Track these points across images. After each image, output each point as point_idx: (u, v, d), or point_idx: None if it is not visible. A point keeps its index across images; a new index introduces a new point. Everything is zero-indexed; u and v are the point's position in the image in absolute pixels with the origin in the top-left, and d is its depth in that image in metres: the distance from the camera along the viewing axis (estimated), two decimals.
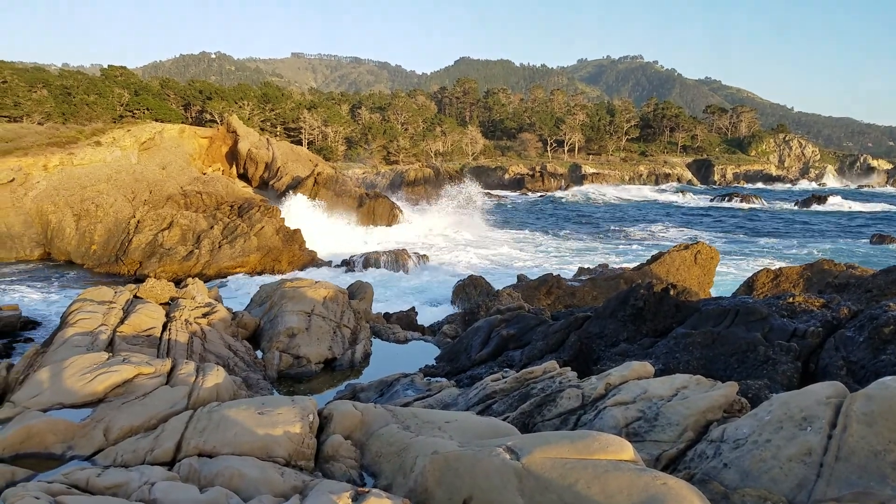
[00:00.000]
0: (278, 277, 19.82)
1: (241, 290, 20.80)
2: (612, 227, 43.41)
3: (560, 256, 30.35)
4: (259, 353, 10.36)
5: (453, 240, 34.93)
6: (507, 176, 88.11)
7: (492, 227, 42.89)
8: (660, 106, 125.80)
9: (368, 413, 5.77)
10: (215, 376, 6.19)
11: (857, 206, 61.30)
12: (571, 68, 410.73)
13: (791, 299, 7.97)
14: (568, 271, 22.03)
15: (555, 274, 18.45)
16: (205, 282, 17.67)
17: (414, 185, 65.04)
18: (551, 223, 47.16)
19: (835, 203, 62.76)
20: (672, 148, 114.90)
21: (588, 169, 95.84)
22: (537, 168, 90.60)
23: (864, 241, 35.24)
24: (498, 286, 18.20)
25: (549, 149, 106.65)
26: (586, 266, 21.79)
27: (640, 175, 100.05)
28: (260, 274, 24.43)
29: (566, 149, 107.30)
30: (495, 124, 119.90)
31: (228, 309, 11.08)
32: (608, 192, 78.09)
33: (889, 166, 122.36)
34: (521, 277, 19.06)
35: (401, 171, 70.57)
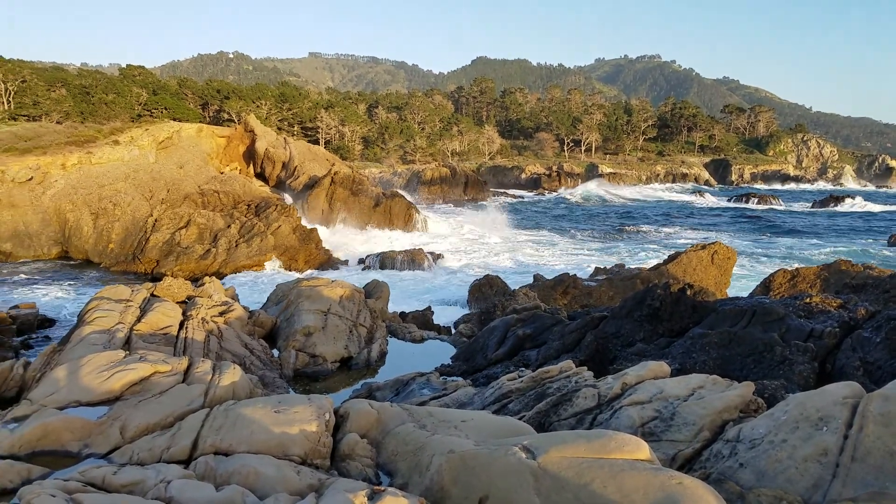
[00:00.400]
0: (295, 276, 19.96)
1: (258, 288, 20.98)
2: (628, 227, 43.15)
3: (576, 256, 30.24)
4: (275, 352, 10.44)
5: (469, 239, 34.95)
6: (523, 175, 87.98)
7: (508, 226, 42.80)
8: (677, 105, 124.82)
9: (384, 412, 5.79)
10: (231, 375, 6.26)
11: (875, 207, 60.35)
12: (589, 68, 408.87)
13: (808, 300, 7.88)
14: (584, 271, 21.94)
15: (571, 274, 18.39)
16: (221, 280, 17.81)
17: (430, 185, 65.22)
18: (567, 223, 46.98)
19: (853, 204, 61.82)
20: (690, 148, 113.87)
21: (605, 169, 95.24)
22: (554, 168, 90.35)
23: (882, 241, 34.68)
24: (514, 286, 18.17)
25: (565, 148, 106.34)
26: (603, 266, 21.68)
27: (658, 175, 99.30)
28: (286, 270, 24.69)
29: (583, 148, 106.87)
30: (512, 124, 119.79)
31: (245, 308, 11.18)
32: (623, 193, 77.58)
33: None
34: (537, 277, 19.01)
35: (417, 170, 70.73)
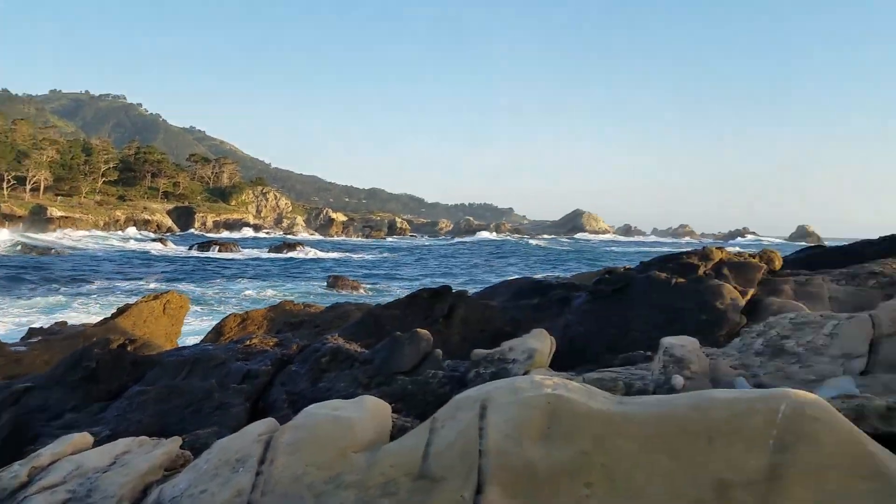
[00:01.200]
0: None
1: None
2: (80, 280, 38.21)
3: (7, 318, 24.67)
4: None
5: None
6: None
7: None
8: (142, 150, 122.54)
9: None
10: None
11: (321, 254, 72.15)
12: (42, 98, 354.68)
13: (249, 342, 8.35)
14: (18, 334, 18.04)
15: None
16: None
17: None
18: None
19: (303, 250, 72.46)
20: (153, 194, 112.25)
21: (55, 212, 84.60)
22: None
23: (323, 282, 41.21)
24: None
25: (5, 186, 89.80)
26: (41, 326, 18.32)
27: (118, 220, 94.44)
28: None
29: (29, 187, 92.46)
30: None
31: None
32: (74, 240, 69.22)
33: (345, 218, 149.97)
34: None
35: None
